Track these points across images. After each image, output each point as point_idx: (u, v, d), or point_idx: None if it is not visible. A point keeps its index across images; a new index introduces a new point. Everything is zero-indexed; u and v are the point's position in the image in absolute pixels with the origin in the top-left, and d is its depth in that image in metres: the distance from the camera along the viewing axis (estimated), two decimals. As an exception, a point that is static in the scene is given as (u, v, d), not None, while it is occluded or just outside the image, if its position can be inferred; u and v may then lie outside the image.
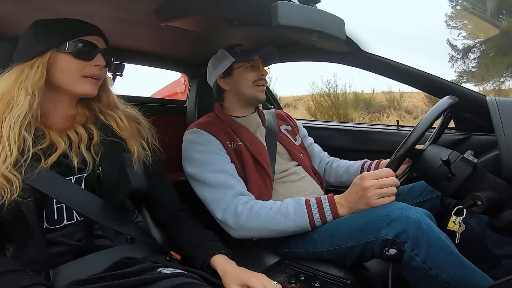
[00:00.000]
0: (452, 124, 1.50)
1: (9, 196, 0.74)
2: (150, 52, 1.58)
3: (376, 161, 1.45)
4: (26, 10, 0.98)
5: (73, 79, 0.89)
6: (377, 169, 1.41)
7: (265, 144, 1.35)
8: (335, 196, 1.06)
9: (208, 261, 0.93)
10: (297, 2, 0.94)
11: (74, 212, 0.85)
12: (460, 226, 0.95)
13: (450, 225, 0.97)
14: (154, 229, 1.06)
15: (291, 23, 0.87)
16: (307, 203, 1.06)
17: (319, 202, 1.05)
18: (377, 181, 0.97)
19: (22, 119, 0.81)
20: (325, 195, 1.07)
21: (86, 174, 0.87)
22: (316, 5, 0.98)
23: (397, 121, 1.77)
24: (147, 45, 1.47)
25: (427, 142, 1.13)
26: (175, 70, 1.97)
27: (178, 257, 0.98)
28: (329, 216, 1.03)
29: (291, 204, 1.07)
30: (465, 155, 0.99)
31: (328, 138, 1.80)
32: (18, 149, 0.79)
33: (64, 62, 0.87)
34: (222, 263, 0.92)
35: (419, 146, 1.14)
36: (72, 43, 0.87)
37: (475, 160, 0.97)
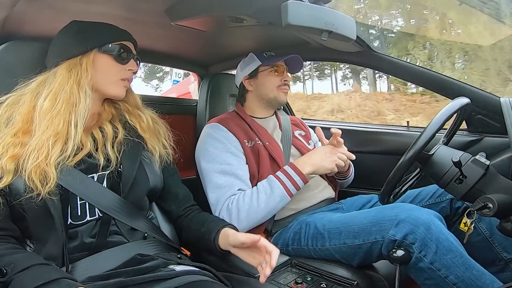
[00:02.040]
0: (464, 125, 1.48)
1: (45, 189, 0.77)
2: (161, 51, 1.59)
3: None
4: (38, 9, 1.00)
5: (109, 81, 0.94)
6: None
7: (280, 145, 1.39)
8: (299, 163, 1.22)
9: (219, 231, 0.94)
10: (307, 2, 0.93)
11: (96, 208, 0.87)
12: (469, 228, 0.94)
13: (461, 226, 0.96)
14: (164, 225, 1.07)
15: (301, 22, 0.87)
16: (277, 175, 1.19)
17: (284, 171, 1.20)
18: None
19: (85, 118, 0.87)
20: (288, 165, 1.22)
21: (109, 171, 0.89)
22: (326, 4, 0.97)
23: (407, 121, 1.75)
24: (158, 44, 1.49)
25: (437, 144, 1.11)
26: (186, 69, 1.98)
27: (188, 253, 1.00)
28: (296, 178, 1.18)
29: (265, 182, 1.19)
30: (477, 157, 0.98)
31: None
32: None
33: (103, 63, 0.92)
34: (224, 234, 0.93)
35: None
36: (114, 45, 0.93)
37: (488, 162, 0.96)
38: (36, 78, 0.89)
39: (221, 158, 1.22)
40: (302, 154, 1.44)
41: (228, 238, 0.90)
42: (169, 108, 1.78)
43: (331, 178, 1.47)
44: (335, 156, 1.22)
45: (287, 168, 1.20)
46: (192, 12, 1.06)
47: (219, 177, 1.19)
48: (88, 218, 0.86)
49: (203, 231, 0.97)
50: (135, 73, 1.01)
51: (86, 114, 0.87)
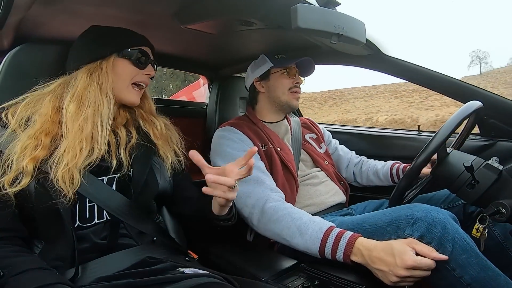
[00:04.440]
0: (476, 129, 1.45)
1: (69, 191, 0.77)
2: (171, 55, 1.60)
3: (404, 165, 1.44)
4: (52, 12, 1.02)
5: (123, 86, 0.94)
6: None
7: (291, 150, 1.38)
8: (362, 240, 0.92)
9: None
10: (317, 5, 0.93)
11: (105, 211, 0.87)
12: (482, 234, 0.93)
13: (474, 232, 0.94)
14: (172, 229, 1.08)
15: (310, 26, 0.87)
16: (328, 231, 0.97)
17: (339, 235, 0.95)
18: (414, 272, 0.83)
19: (110, 121, 0.88)
20: (351, 233, 0.95)
21: (119, 175, 0.90)
22: (335, 8, 0.97)
23: (418, 126, 1.73)
24: (168, 47, 1.50)
25: (449, 148, 1.10)
26: (196, 72, 2.00)
27: (196, 256, 1.00)
28: (339, 255, 0.93)
29: (313, 224, 1.00)
30: (489, 162, 0.96)
31: (348, 143, 1.78)
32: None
33: (122, 67, 0.93)
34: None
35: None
36: (133, 50, 0.94)
37: (500, 167, 0.94)
38: (55, 80, 0.90)
39: (240, 156, 1.20)
40: (312, 158, 1.43)
41: None
42: (179, 111, 1.80)
43: (342, 182, 1.46)
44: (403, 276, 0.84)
45: (345, 234, 0.94)
46: (201, 16, 1.08)
47: None
48: (96, 220, 0.86)
49: (199, 206, 0.97)
50: (152, 78, 1.01)
51: (110, 117, 0.88)
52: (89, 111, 0.86)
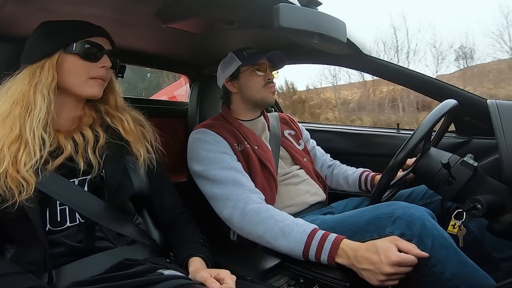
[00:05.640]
0: (452, 127, 1.50)
1: (22, 197, 0.74)
2: (152, 54, 1.58)
3: (372, 174, 1.47)
4: (28, 11, 0.98)
5: (80, 81, 0.89)
6: (372, 184, 1.44)
7: (270, 147, 1.36)
8: (347, 242, 0.93)
9: (186, 260, 0.92)
10: (299, 5, 0.94)
11: (77, 214, 0.84)
12: (460, 230, 0.95)
13: (450, 229, 0.97)
14: (154, 231, 1.06)
15: (292, 25, 0.88)
16: (312, 233, 0.97)
17: (323, 238, 0.95)
18: (398, 269, 0.84)
19: (43, 122, 0.82)
20: (335, 235, 0.95)
21: (90, 176, 0.87)
22: (317, 7, 0.98)
23: (397, 124, 1.77)
24: (149, 46, 1.48)
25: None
26: (177, 72, 1.97)
27: None
28: (324, 257, 0.93)
29: (297, 227, 1.00)
30: (465, 159, 0.99)
31: (329, 141, 1.80)
32: (40, 151, 0.80)
33: (71, 64, 0.88)
34: (197, 264, 0.91)
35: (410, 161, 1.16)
36: (79, 44, 0.88)
37: (475, 164, 0.97)
38: (3, 83, 0.86)
39: (216, 158, 1.18)
40: (291, 155, 1.42)
41: (194, 269, 0.90)
42: (159, 111, 1.78)
43: (320, 179, 1.45)
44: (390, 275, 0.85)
45: (330, 236, 0.95)
46: (183, 15, 1.06)
47: (220, 173, 1.14)
48: (68, 224, 0.84)
49: (176, 253, 0.97)
50: (114, 69, 0.98)
51: (42, 118, 0.82)
52: (17, 112, 0.81)
